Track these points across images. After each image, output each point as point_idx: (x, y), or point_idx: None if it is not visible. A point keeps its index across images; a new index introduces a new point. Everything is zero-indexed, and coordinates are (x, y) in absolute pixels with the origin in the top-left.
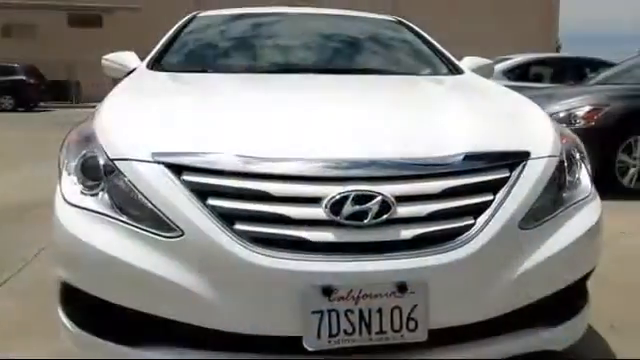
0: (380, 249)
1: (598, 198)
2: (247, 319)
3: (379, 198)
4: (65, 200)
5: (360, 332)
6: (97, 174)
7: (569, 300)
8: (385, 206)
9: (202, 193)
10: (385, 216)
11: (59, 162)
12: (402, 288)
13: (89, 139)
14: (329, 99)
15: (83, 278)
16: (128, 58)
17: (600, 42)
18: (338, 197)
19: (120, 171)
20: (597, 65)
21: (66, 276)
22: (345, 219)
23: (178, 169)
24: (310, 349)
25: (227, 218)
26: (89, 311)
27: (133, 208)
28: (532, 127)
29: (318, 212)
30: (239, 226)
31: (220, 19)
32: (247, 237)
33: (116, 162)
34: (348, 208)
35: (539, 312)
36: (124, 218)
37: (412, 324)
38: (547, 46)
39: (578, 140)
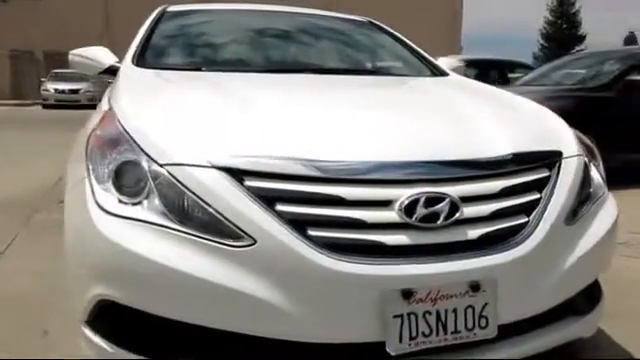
0: (451, 250)
1: (610, 194)
2: (326, 328)
3: (448, 199)
4: (104, 210)
5: (437, 333)
6: (137, 181)
7: (595, 289)
8: (453, 207)
9: (269, 199)
10: (456, 216)
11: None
12: (475, 287)
13: (120, 142)
14: (362, 101)
15: (137, 294)
16: (100, 54)
17: (494, 44)
18: (410, 199)
19: (175, 178)
20: (516, 66)
21: (110, 293)
22: (418, 221)
23: (238, 174)
24: (393, 354)
25: (299, 224)
26: (136, 329)
27: (192, 217)
28: (554, 128)
29: (391, 215)
30: (312, 232)
31: (196, 14)
32: (321, 243)
33: (168, 168)
34: (421, 210)
35: (577, 302)
36: (183, 228)
37: (483, 322)
38: (452, 48)
39: (586, 139)
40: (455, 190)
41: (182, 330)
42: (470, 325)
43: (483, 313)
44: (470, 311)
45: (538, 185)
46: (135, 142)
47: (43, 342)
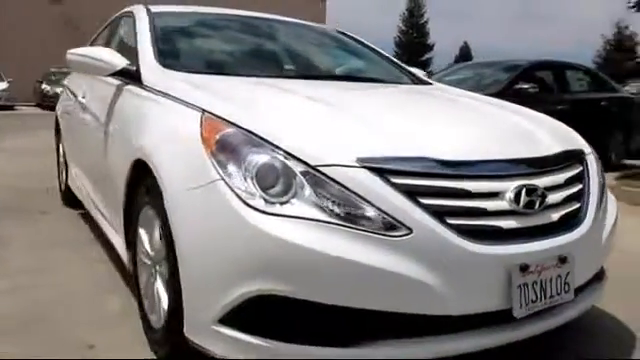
0: (544, 230)
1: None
2: (467, 301)
3: (540, 189)
4: (256, 209)
5: (540, 299)
6: (281, 180)
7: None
8: (543, 195)
9: (413, 194)
10: (545, 203)
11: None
12: (563, 259)
13: (254, 145)
14: (422, 106)
15: (302, 286)
16: (106, 54)
17: None
18: (515, 191)
19: (329, 177)
20: None
21: (271, 287)
22: (523, 208)
23: (385, 173)
24: (518, 317)
25: (440, 215)
26: (297, 321)
27: (349, 212)
28: (567, 131)
29: (503, 204)
30: (450, 221)
31: (185, 17)
32: (458, 229)
33: (321, 169)
34: (525, 199)
35: (601, 271)
36: (343, 222)
37: (567, 287)
38: None
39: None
40: (540, 181)
41: (335, 317)
42: (559, 291)
43: (567, 280)
44: (559, 279)
45: (579, 177)
46: (273, 144)
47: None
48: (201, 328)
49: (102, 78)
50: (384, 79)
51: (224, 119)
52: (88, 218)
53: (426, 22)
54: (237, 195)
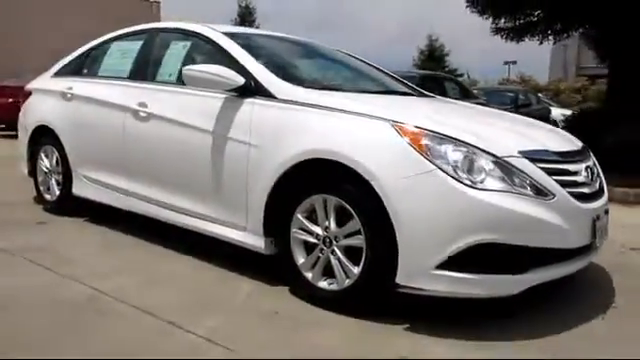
0: (597, 194)
1: None
2: (578, 238)
3: (592, 168)
4: (473, 187)
5: (602, 236)
6: (475, 166)
7: None
8: (592, 172)
9: (549, 172)
10: (595, 177)
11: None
12: (606, 212)
13: (451, 144)
14: (487, 114)
15: (510, 234)
16: (225, 71)
17: None
18: (586, 169)
19: (509, 164)
20: None
21: (491, 237)
22: (589, 180)
23: (534, 161)
24: (598, 247)
25: (562, 185)
26: (499, 258)
27: (522, 185)
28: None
29: (581, 178)
30: (567, 190)
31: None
32: (571, 194)
33: (505, 158)
34: (589, 174)
35: None
36: (521, 191)
37: (604, 234)
38: None
39: None
40: (590, 163)
41: (519, 253)
42: (604, 235)
43: (606, 228)
44: (603, 227)
45: (594, 161)
46: (468, 143)
47: None
48: (418, 275)
49: (186, 90)
50: (410, 92)
51: (422, 128)
52: (103, 223)
53: (258, 27)
54: (454, 178)
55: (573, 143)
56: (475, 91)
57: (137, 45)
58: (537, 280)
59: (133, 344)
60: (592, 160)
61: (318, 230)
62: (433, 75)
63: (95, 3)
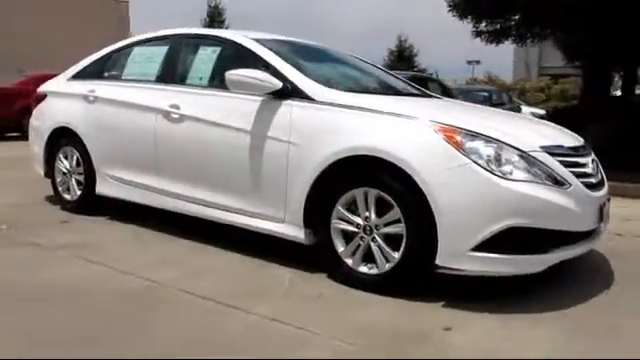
0: (600, 184)
1: None
2: (588, 222)
3: (596, 160)
4: (503, 178)
5: (606, 222)
6: (503, 159)
7: None
8: (596, 164)
9: (565, 165)
10: (598, 170)
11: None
12: (609, 200)
13: (483, 140)
14: (497, 113)
15: (538, 219)
16: (263, 75)
17: None
18: (591, 161)
19: (533, 157)
20: None
21: (521, 222)
22: (594, 172)
23: (553, 155)
24: (603, 231)
25: (576, 176)
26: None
27: (543, 176)
28: None
29: (588, 170)
30: (579, 180)
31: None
32: (584, 184)
33: (529, 153)
34: (594, 167)
35: None
36: (544, 181)
37: (608, 220)
38: None
39: None
40: (593, 156)
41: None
42: (606, 220)
43: (609, 215)
44: (607, 213)
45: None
46: (497, 139)
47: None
48: (457, 256)
49: (221, 92)
50: (421, 94)
51: (455, 126)
52: (125, 221)
53: (228, 28)
54: (487, 170)
55: (578, 139)
56: None
57: (162, 50)
58: (555, 259)
59: (202, 325)
60: (593, 154)
61: (358, 220)
62: (419, 76)
63: (64, 2)
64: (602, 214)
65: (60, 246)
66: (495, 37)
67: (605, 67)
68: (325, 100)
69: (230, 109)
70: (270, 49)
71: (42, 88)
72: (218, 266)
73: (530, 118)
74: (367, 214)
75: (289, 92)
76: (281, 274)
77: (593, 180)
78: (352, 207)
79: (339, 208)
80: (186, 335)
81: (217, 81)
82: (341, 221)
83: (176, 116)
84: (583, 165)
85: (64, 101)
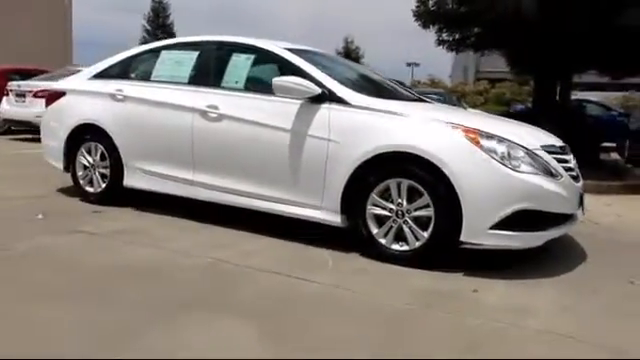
0: (578, 178)
1: None
2: (572, 207)
3: (574, 160)
4: (516, 171)
5: (584, 209)
6: (513, 155)
7: None
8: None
9: (557, 161)
10: (576, 165)
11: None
12: (584, 193)
13: (497, 140)
14: (489, 117)
15: (543, 203)
16: (304, 81)
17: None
18: (572, 158)
19: (536, 154)
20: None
21: (530, 206)
22: (574, 168)
23: (549, 152)
24: (581, 218)
25: (565, 170)
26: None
27: (542, 170)
28: None
29: (571, 165)
30: (567, 173)
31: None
32: (570, 176)
33: (534, 150)
34: (575, 163)
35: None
36: (544, 174)
37: (583, 207)
38: (66, 56)
39: None
40: (572, 155)
41: (543, 217)
42: (584, 208)
43: (584, 203)
44: (584, 201)
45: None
46: (507, 139)
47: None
48: (478, 234)
49: (260, 96)
50: (424, 99)
51: (475, 128)
52: (151, 211)
53: (172, 23)
54: (502, 164)
55: (560, 140)
56: None
57: (193, 55)
58: (551, 236)
59: (283, 289)
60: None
61: (391, 205)
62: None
63: None
64: (582, 201)
65: (111, 232)
66: (456, 46)
67: (551, 77)
68: (359, 104)
69: (271, 110)
70: (304, 59)
71: (60, 85)
72: (264, 248)
73: (520, 123)
74: (399, 200)
75: (327, 97)
76: (322, 254)
77: (574, 173)
78: (385, 195)
79: (374, 196)
80: (275, 294)
81: (254, 84)
82: (375, 207)
83: (214, 115)
84: (568, 161)
85: (88, 99)
